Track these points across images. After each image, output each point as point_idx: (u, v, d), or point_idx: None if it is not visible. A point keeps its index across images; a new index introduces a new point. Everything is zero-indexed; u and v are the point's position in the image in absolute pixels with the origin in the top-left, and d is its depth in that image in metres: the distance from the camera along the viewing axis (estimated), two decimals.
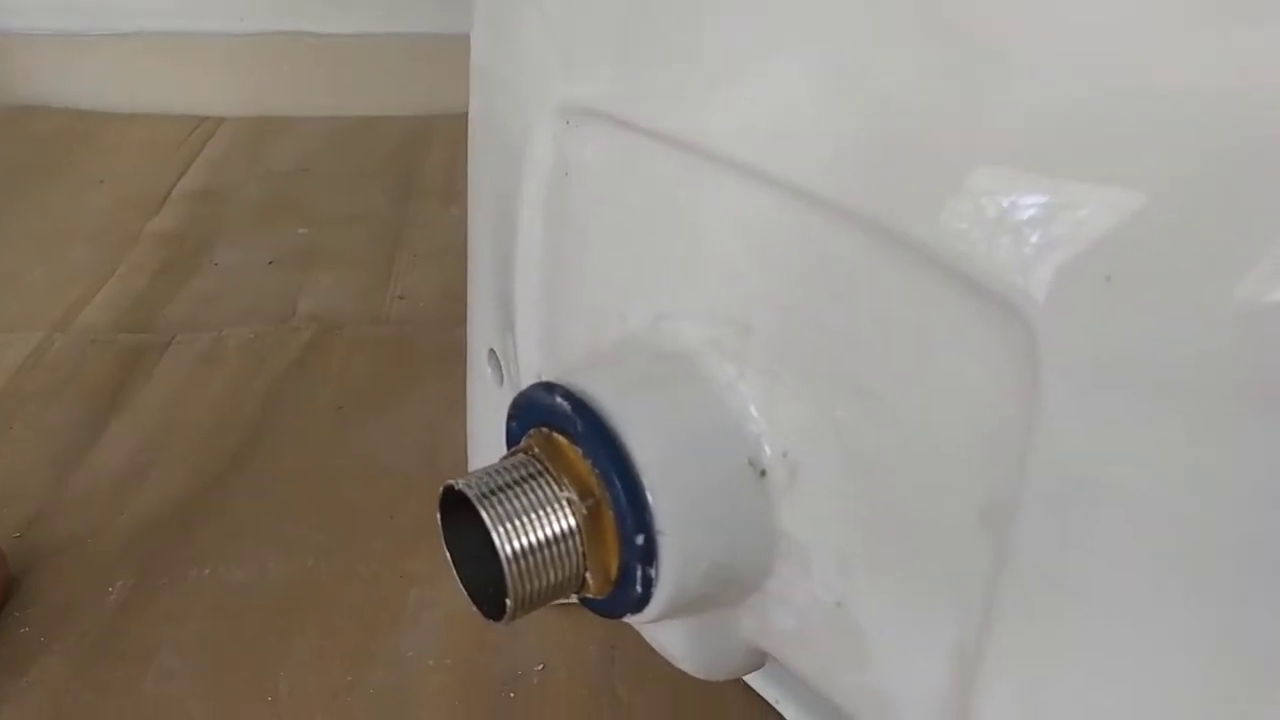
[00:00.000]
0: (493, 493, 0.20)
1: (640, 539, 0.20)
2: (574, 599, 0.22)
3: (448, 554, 0.21)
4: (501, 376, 0.33)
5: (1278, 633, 0.15)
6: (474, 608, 0.21)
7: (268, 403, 0.47)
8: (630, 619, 0.21)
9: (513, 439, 0.22)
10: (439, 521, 0.21)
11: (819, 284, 0.19)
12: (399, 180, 0.72)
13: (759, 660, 0.25)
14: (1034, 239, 0.15)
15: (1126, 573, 0.16)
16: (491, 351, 0.33)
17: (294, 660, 0.34)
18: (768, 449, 0.20)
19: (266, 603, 0.36)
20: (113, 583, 0.36)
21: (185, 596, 0.36)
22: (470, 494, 0.20)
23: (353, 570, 0.37)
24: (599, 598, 0.21)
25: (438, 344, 0.52)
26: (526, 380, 0.29)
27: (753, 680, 0.32)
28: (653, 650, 0.26)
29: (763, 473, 0.20)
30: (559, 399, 0.20)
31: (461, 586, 0.21)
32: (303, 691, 0.33)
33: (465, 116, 0.32)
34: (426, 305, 0.56)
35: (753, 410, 0.20)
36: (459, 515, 0.21)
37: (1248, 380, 0.14)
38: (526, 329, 0.28)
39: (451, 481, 0.20)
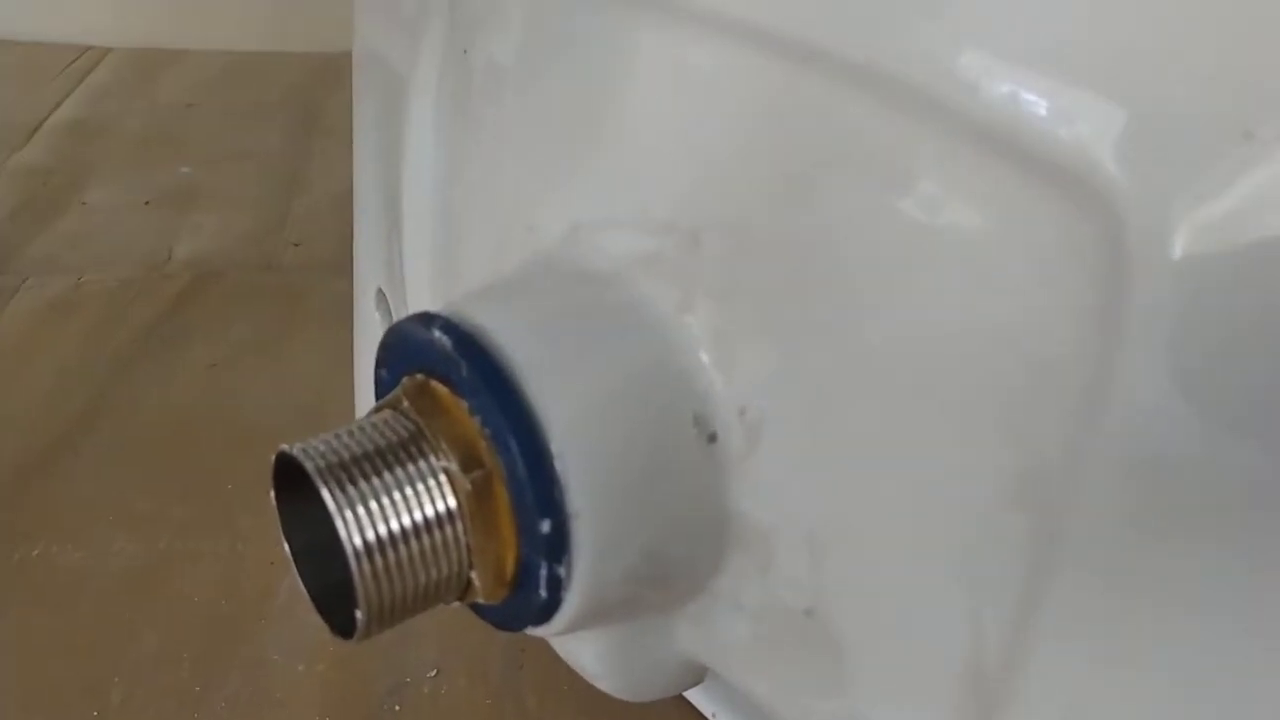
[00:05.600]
0: (342, 464, 0.14)
1: (546, 525, 0.14)
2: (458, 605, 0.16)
3: (285, 545, 0.16)
4: (392, 320, 0.27)
5: None
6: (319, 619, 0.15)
7: (127, 358, 0.41)
8: (533, 631, 0.16)
9: (383, 391, 0.17)
10: (273, 501, 0.16)
11: (795, 168, 0.13)
12: (299, 120, 0.65)
13: (698, 676, 0.20)
14: (1125, 80, 0.10)
15: (1220, 567, 0.11)
16: (380, 292, 0.28)
17: (133, 661, 0.28)
18: (720, 403, 0.15)
19: (105, 590, 0.30)
20: None
21: (6, 581, 0.30)
22: (309, 465, 0.14)
23: (214, 553, 0.32)
24: (490, 603, 0.16)
25: (333, 296, 0.46)
26: None
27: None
28: None
29: (712, 435, 0.15)
30: (437, 333, 0.15)
31: (303, 589, 0.16)
32: (140, 702, 0.27)
33: None
34: (324, 253, 0.50)
35: (701, 351, 0.15)
36: (300, 493, 0.15)
37: None
38: (416, 255, 0.22)
39: (285, 446, 0.15)
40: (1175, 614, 0.12)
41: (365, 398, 0.30)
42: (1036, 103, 0.11)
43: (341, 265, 0.49)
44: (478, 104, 0.19)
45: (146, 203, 0.54)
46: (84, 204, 0.54)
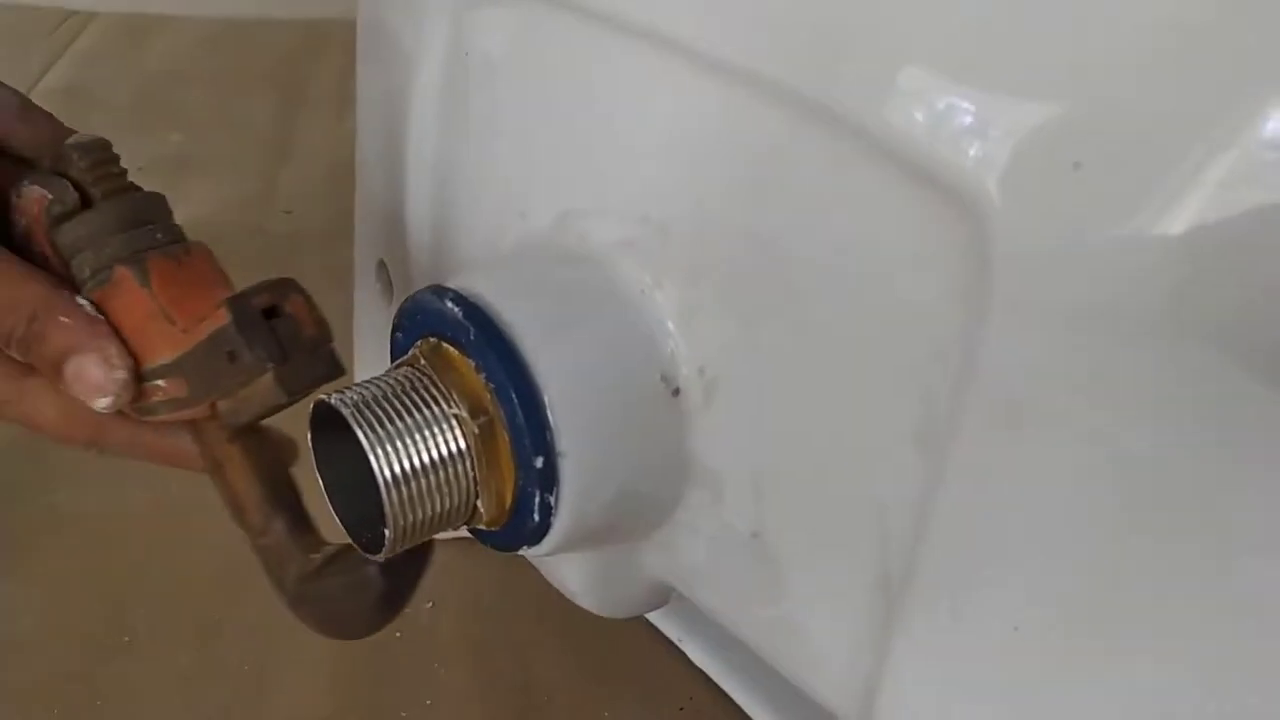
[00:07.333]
0: (371, 410, 0.18)
1: (539, 461, 0.17)
2: (463, 530, 0.19)
3: (320, 479, 0.19)
4: (392, 291, 0.30)
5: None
6: (349, 539, 0.19)
7: None
8: (525, 552, 0.19)
9: (398, 351, 0.20)
10: (310, 441, 0.19)
11: (746, 175, 0.16)
12: (288, 88, 0.67)
13: (664, 596, 0.23)
14: (991, 120, 0.14)
15: (1065, 501, 0.15)
16: (381, 263, 0.31)
17: (155, 595, 0.31)
18: (683, 364, 0.18)
19: (123, 532, 0.33)
20: None
21: (32, 524, 0.33)
22: (345, 411, 0.17)
23: (220, 497, 0.34)
24: (492, 528, 0.19)
25: (327, 262, 0.47)
26: None
27: (654, 617, 0.30)
28: (552, 585, 0.24)
29: (676, 390, 0.18)
30: (449, 304, 0.18)
31: (335, 515, 0.19)
32: (166, 630, 0.30)
33: None
34: (315, 221, 0.52)
35: (668, 321, 0.18)
36: (334, 436, 0.18)
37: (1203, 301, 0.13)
38: (419, 234, 0.25)
39: (324, 396, 0.18)
40: (1031, 515, 0.15)
41: (366, 363, 0.33)
42: (940, 137, 0.14)
43: (332, 233, 0.52)
44: (475, 93, 0.22)
45: (140, 169, 0.56)
46: None
